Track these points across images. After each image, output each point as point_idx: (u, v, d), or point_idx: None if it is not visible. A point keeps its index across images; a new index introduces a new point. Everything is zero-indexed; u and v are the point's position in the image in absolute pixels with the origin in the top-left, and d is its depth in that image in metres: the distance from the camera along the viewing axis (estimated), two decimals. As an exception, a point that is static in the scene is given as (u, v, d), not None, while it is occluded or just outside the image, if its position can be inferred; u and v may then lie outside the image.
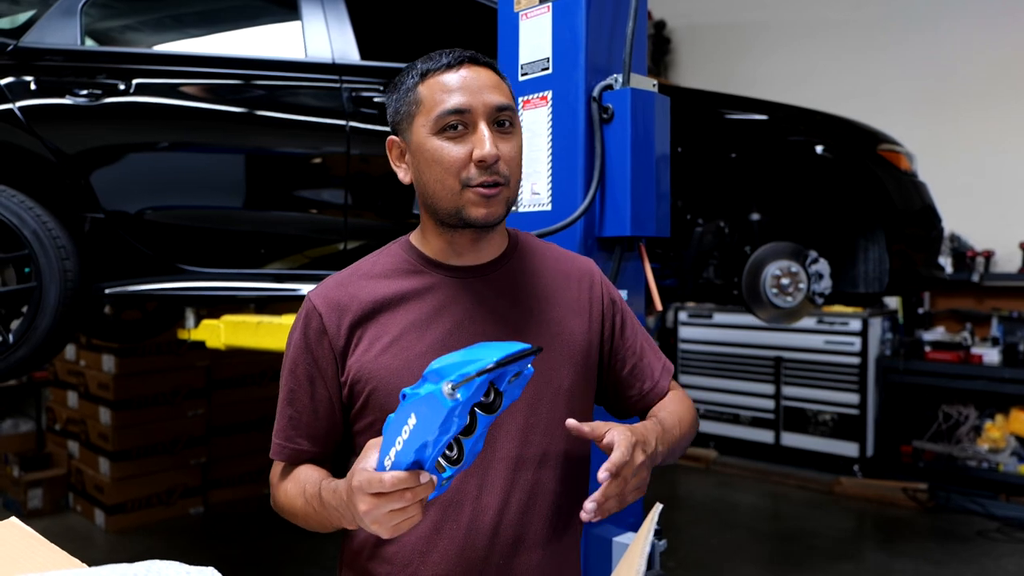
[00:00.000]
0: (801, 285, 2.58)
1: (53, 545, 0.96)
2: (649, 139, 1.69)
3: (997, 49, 4.81)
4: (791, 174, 2.70)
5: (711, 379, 5.37)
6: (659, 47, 6.29)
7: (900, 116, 4.71)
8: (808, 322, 4.82)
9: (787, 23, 5.72)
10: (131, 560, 0.86)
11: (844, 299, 2.84)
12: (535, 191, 1.76)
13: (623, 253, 1.71)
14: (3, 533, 0.99)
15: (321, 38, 2.51)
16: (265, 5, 2.85)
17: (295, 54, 2.51)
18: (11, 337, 2.31)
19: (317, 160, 2.53)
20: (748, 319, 4.46)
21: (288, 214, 2.51)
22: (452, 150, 1.01)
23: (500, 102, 1.03)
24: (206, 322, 2.62)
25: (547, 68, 1.74)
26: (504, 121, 1.04)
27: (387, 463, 0.83)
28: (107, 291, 2.42)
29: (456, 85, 1.02)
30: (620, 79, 1.67)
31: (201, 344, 2.65)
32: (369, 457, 0.86)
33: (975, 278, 4.65)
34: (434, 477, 0.83)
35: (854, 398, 4.72)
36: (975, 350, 4.49)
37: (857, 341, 4.70)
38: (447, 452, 0.82)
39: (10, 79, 2.35)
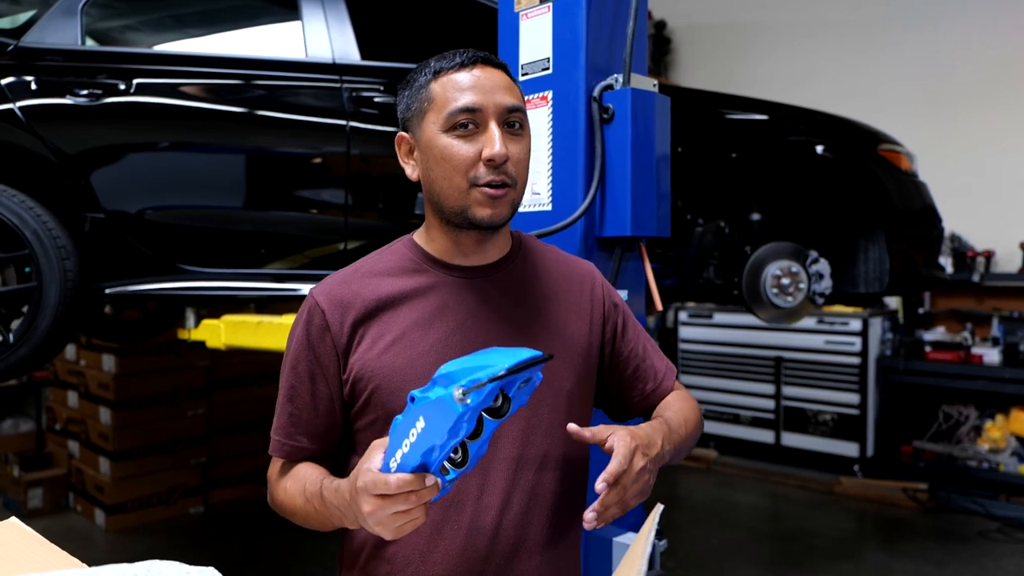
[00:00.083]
0: (801, 285, 2.58)
1: (53, 545, 0.96)
2: (649, 139, 1.69)
3: (997, 49, 4.81)
4: (791, 174, 2.70)
5: (711, 379, 5.37)
6: (659, 47, 6.29)
7: (900, 116, 4.71)
8: (808, 322, 4.82)
9: (787, 23, 5.72)
10: (131, 560, 0.86)
11: (844, 299, 2.84)
12: (535, 191, 1.76)
13: (623, 253, 1.71)
14: (3, 533, 0.99)
15: (321, 38, 2.50)
16: (265, 5, 2.85)
17: (295, 54, 2.51)
18: (11, 337, 2.31)
19: (317, 160, 2.53)
20: (748, 319, 4.46)
21: (288, 214, 2.51)
22: (462, 148, 1.02)
23: (511, 103, 1.04)
24: (206, 322, 2.62)
25: (547, 68, 1.74)
26: (514, 123, 1.04)
27: (392, 465, 0.83)
28: (107, 291, 2.42)
29: (469, 84, 1.02)
30: (620, 79, 1.67)
31: (201, 344, 2.65)
32: (373, 458, 0.86)
33: (975, 278, 4.65)
34: (438, 480, 0.83)
35: (854, 398, 4.71)
36: (975, 350, 4.49)
37: (857, 341, 4.70)
38: (452, 455, 0.83)
39: (11, 79, 2.35)
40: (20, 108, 2.33)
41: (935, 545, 3.80)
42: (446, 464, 0.83)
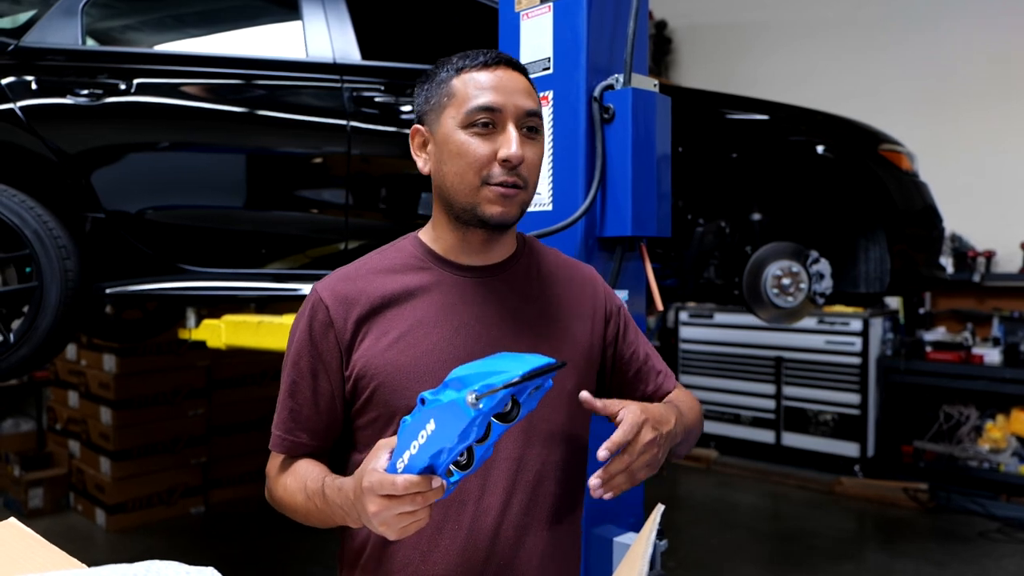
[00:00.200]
0: (802, 285, 2.58)
1: (52, 545, 0.96)
2: (650, 139, 1.69)
3: (997, 49, 4.81)
4: (792, 174, 2.70)
5: (712, 379, 5.37)
6: (660, 47, 6.29)
7: (900, 116, 4.71)
8: (809, 322, 4.81)
9: (787, 23, 5.71)
10: (132, 560, 0.86)
11: (845, 299, 2.84)
12: (536, 191, 1.76)
13: (624, 253, 1.71)
14: (2, 533, 0.99)
15: (322, 38, 2.50)
16: (266, 5, 2.85)
17: (296, 54, 2.51)
18: (12, 337, 2.31)
19: (318, 160, 2.53)
20: (749, 319, 4.46)
21: (289, 214, 2.51)
22: (478, 146, 1.02)
23: (530, 107, 1.05)
24: (207, 322, 2.62)
25: (548, 68, 1.74)
26: (531, 127, 1.05)
27: (399, 465, 0.83)
28: (108, 291, 2.42)
29: (491, 83, 1.03)
30: (621, 79, 1.67)
31: (202, 344, 2.65)
32: (379, 458, 0.86)
33: (976, 278, 4.65)
34: (444, 482, 0.83)
35: (855, 398, 4.71)
36: (976, 350, 4.49)
37: (858, 341, 4.69)
38: (458, 458, 0.83)
39: (11, 79, 2.35)
40: (21, 108, 2.33)
41: (935, 545, 3.80)
42: (451, 466, 0.83)
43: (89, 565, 0.87)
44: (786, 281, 2.56)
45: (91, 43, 2.55)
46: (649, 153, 1.69)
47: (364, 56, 2.52)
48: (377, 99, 2.48)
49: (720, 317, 5.31)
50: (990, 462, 4.36)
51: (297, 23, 2.53)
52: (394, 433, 0.90)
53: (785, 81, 5.50)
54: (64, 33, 2.43)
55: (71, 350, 4.37)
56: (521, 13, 1.79)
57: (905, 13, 5.16)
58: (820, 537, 3.91)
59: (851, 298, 2.82)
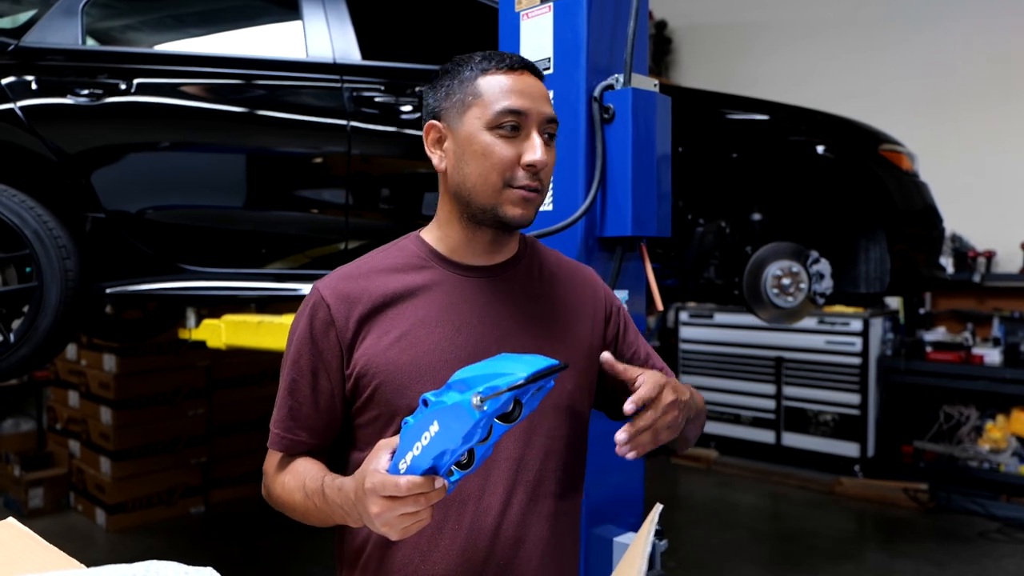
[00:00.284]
0: (802, 285, 2.58)
1: (50, 545, 0.95)
2: (650, 139, 1.69)
3: (997, 49, 4.81)
4: (792, 174, 2.70)
5: (712, 379, 5.36)
6: (660, 47, 6.29)
7: (901, 116, 4.71)
8: (809, 322, 4.81)
9: (788, 23, 5.71)
10: (132, 560, 0.86)
11: (845, 299, 2.84)
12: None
13: (624, 253, 1.71)
14: (0, 533, 0.99)
15: (322, 38, 2.50)
16: (266, 5, 2.85)
17: (296, 54, 2.51)
18: (12, 336, 2.31)
19: (318, 160, 2.53)
20: (749, 319, 4.46)
21: (289, 214, 2.51)
22: (504, 149, 1.03)
23: (552, 115, 1.07)
24: (207, 322, 2.62)
25: (548, 68, 1.74)
26: (550, 134, 1.07)
27: (402, 466, 0.83)
28: (108, 291, 2.42)
29: (519, 87, 1.04)
30: (621, 79, 1.67)
31: (202, 344, 2.65)
32: (380, 458, 0.86)
33: (976, 278, 4.65)
34: (446, 482, 0.83)
35: (855, 398, 4.71)
36: (976, 350, 4.49)
37: (858, 341, 4.69)
38: (460, 458, 0.83)
39: (11, 79, 2.35)
40: (21, 108, 2.33)
41: (935, 545, 3.80)
42: (452, 466, 0.83)
43: (89, 565, 0.87)
44: (786, 281, 2.56)
45: (91, 43, 2.55)
46: (649, 153, 1.69)
47: (364, 56, 2.52)
48: (377, 99, 2.47)
49: (720, 317, 5.31)
50: (990, 462, 4.36)
51: (297, 23, 2.53)
52: (395, 432, 0.90)
53: (785, 81, 5.50)
54: (64, 33, 2.43)
55: (71, 350, 4.37)
56: (521, 13, 1.79)
57: (905, 13, 5.16)
58: (820, 537, 3.91)
59: (851, 298, 2.82)
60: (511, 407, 0.80)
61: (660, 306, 1.79)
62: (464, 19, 2.69)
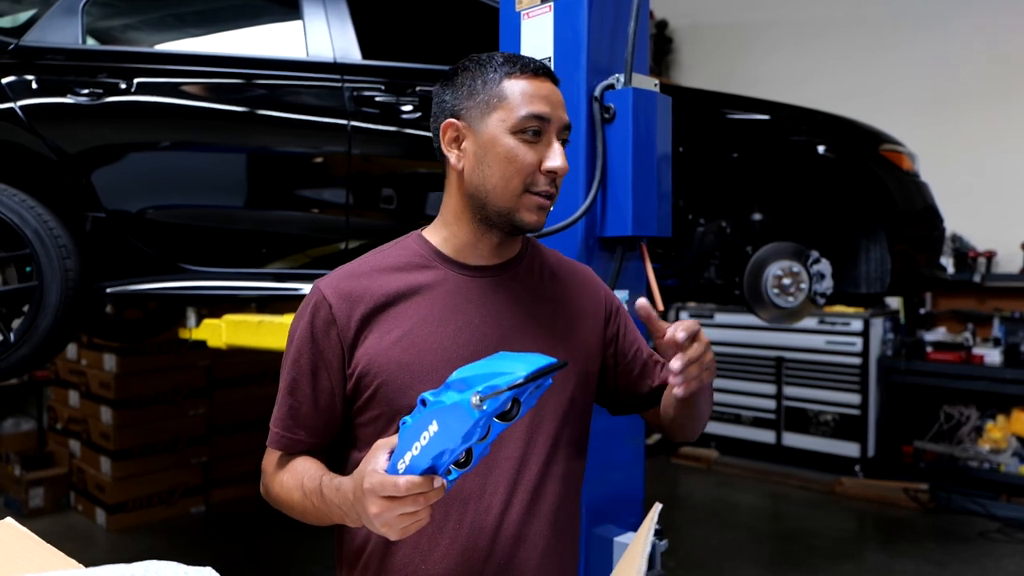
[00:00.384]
0: (803, 285, 2.58)
1: (49, 545, 0.95)
2: (651, 139, 1.69)
3: (998, 49, 4.81)
4: (793, 174, 2.70)
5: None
6: (661, 47, 6.29)
7: (901, 116, 4.70)
8: (809, 322, 4.81)
9: (789, 23, 5.71)
10: (132, 560, 0.86)
11: (846, 299, 2.83)
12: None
13: (624, 253, 1.71)
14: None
15: (323, 37, 2.50)
16: (266, 4, 2.85)
17: (297, 53, 2.51)
18: (12, 336, 2.31)
19: (318, 159, 2.53)
20: (749, 319, 4.45)
21: (289, 213, 2.51)
22: (527, 154, 1.04)
23: (568, 122, 1.08)
24: (207, 321, 2.62)
25: (548, 68, 1.74)
26: (564, 140, 1.08)
27: (401, 466, 0.83)
28: (108, 290, 2.42)
29: (543, 93, 1.05)
30: (622, 79, 1.67)
31: (202, 343, 2.65)
32: (378, 458, 0.86)
33: (977, 278, 4.64)
34: (444, 481, 0.83)
35: (855, 398, 4.71)
36: (976, 351, 4.49)
37: (858, 341, 4.69)
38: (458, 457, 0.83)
39: (11, 78, 2.35)
40: (21, 107, 2.33)
41: (936, 545, 3.80)
42: (450, 466, 0.83)
43: (89, 565, 0.86)
44: (787, 281, 2.56)
45: (91, 42, 2.55)
46: (650, 153, 1.69)
47: (365, 56, 2.52)
48: (378, 99, 2.47)
49: (720, 317, 5.31)
50: (990, 462, 4.36)
51: (298, 23, 2.53)
52: (395, 432, 0.90)
53: (786, 81, 5.50)
54: (64, 32, 2.43)
55: (71, 350, 4.37)
56: (522, 13, 1.79)
57: (905, 14, 5.15)
58: (820, 537, 3.91)
59: (852, 298, 2.82)
60: (510, 406, 0.80)
61: (660, 306, 1.78)
62: (465, 19, 2.69)
